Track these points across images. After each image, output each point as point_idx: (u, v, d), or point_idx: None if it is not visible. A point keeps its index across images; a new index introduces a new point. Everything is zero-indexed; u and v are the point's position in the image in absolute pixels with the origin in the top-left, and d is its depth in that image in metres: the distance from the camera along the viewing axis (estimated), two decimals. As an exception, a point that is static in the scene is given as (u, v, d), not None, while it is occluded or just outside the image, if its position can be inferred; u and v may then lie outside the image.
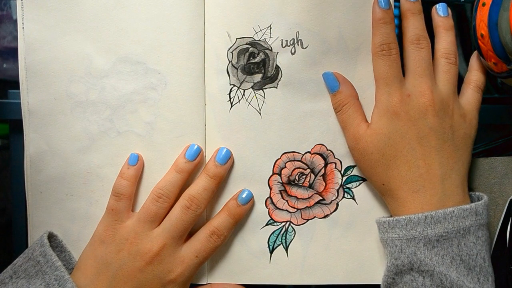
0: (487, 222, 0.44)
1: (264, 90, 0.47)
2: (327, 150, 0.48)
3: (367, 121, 0.46)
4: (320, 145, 0.48)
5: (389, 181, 0.44)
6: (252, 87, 0.47)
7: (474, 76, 0.47)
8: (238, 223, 0.47)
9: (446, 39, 0.46)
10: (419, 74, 0.44)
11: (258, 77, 0.47)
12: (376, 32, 0.45)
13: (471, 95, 0.46)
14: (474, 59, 0.48)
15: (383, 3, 0.45)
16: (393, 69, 0.44)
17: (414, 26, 0.45)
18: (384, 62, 0.44)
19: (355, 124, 0.45)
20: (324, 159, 0.48)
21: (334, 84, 0.46)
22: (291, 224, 0.48)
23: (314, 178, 0.48)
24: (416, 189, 0.43)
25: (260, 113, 0.47)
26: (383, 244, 0.45)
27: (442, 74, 0.45)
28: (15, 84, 0.48)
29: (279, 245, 0.48)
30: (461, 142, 0.44)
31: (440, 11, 0.47)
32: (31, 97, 0.47)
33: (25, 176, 0.47)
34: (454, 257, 0.41)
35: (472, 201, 0.45)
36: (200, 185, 0.46)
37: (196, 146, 0.46)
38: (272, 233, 0.48)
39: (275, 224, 0.48)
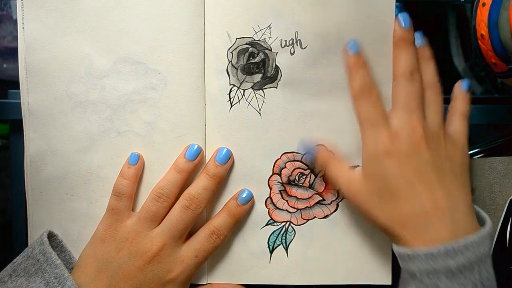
0: None
1: (264, 90, 0.47)
2: (327, 150, 0.48)
3: (354, 168, 0.45)
4: (320, 146, 0.47)
5: (392, 221, 0.42)
6: (252, 87, 0.47)
7: (460, 105, 0.46)
8: (238, 223, 0.47)
9: (429, 69, 0.45)
10: (411, 110, 0.43)
11: (258, 77, 0.47)
12: (353, 77, 0.44)
13: (459, 123, 0.45)
14: (457, 88, 0.47)
15: (353, 49, 0.45)
16: (377, 109, 0.43)
17: (407, 57, 0.44)
18: (367, 103, 0.43)
19: (344, 175, 0.44)
20: (324, 159, 0.48)
21: (310, 151, 0.47)
22: (291, 224, 0.48)
23: (314, 179, 0.48)
24: (422, 226, 0.41)
25: (260, 113, 0.47)
26: (402, 270, 0.42)
27: (430, 106, 0.44)
28: (15, 84, 0.48)
29: (279, 245, 0.48)
30: (459, 170, 0.43)
31: (417, 40, 0.46)
32: (31, 97, 0.47)
33: (25, 176, 0.48)
34: (476, 283, 0.39)
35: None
36: (200, 184, 0.46)
37: (196, 146, 0.46)
38: (272, 233, 0.48)
39: (275, 224, 0.48)
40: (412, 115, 0.43)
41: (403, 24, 0.44)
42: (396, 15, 0.45)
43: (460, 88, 0.47)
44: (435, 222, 0.40)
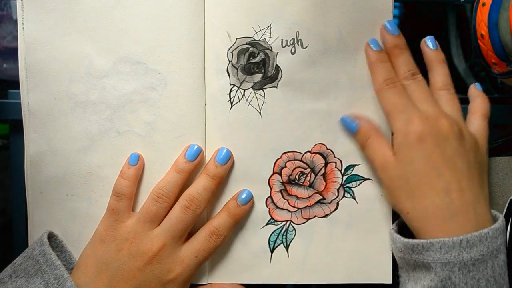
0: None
1: (264, 90, 0.47)
2: (327, 149, 0.48)
3: (392, 148, 0.44)
4: (320, 145, 0.48)
5: (415, 210, 0.42)
6: (252, 87, 0.47)
7: (479, 104, 0.46)
8: (238, 223, 0.47)
9: (442, 72, 0.46)
10: (427, 101, 0.43)
11: (258, 77, 0.47)
12: (376, 71, 0.45)
13: (479, 124, 0.45)
14: (473, 88, 0.47)
15: (375, 45, 0.46)
16: (403, 97, 0.44)
17: (405, 62, 0.45)
18: (392, 92, 0.44)
19: (381, 155, 0.44)
20: (324, 158, 0.48)
21: (352, 125, 0.46)
22: (292, 223, 0.48)
23: (315, 178, 0.48)
24: (447, 217, 0.40)
25: (260, 113, 0.47)
26: (415, 265, 0.42)
27: (447, 104, 0.45)
28: (15, 84, 0.48)
29: (279, 244, 0.48)
30: (480, 166, 0.43)
31: (430, 44, 0.47)
32: (31, 97, 0.47)
33: (25, 176, 0.47)
34: (488, 279, 0.39)
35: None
36: (200, 185, 0.46)
37: (196, 146, 0.46)
38: (273, 232, 0.48)
39: (275, 223, 0.48)
40: (431, 106, 0.43)
41: (392, 32, 0.45)
42: (384, 25, 0.46)
43: (478, 88, 0.47)
44: (460, 214, 0.40)
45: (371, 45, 0.46)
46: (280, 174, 0.48)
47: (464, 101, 0.47)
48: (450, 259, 0.39)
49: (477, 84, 0.48)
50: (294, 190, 0.48)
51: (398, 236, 0.43)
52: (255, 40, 0.46)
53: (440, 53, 0.47)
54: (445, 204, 0.41)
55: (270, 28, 0.46)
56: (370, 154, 0.45)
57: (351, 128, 0.46)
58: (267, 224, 0.48)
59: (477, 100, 0.47)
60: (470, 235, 0.39)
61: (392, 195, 0.43)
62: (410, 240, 0.42)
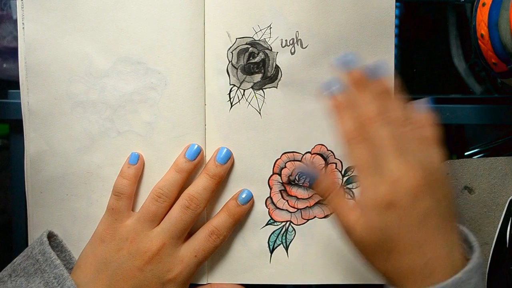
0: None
1: (264, 90, 0.47)
2: (328, 150, 0.48)
3: (357, 208, 0.40)
4: (321, 146, 0.48)
5: (392, 272, 0.40)
6: (252, 87, 0.47)
7: (429, 131, 0.42)
8: (238, 223, 0.47)
9: (393, 106, 0.41)
10: (396, 155, 0.39)
11: (258, 77, 0.47)
12: (341, 120, 0.41)
13: (434, 153, 0.41)
14: (420, 113, 0.42)
15: (337, 87, 0.42)
16: (371, 154, 0.40)
17: (370, 100, 0.41)
18: (360, 148, 0.40)
19: (344, 214, 0.41)
20: (325, 159, 0.48)
21: (312, 176, 0.43)
22: (291, 224, 0.48)
23: (314, 178, 0.48)
24: (425, 275, 0.39)
25: (260, 113, 0.47)
26: None
27: (414, 145, 0.40)
28: (15, 84, 0.48)
29: (279, 245, 0.48)
30: (450, 202, 0.41)
31: (371, 73, 0.42)
32: (31, 97, 0.47)
33: (25, 176, 0.47)
34: None
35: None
36: (200, 184, 0.46)
37: (196, 146, 0.46)
38: (272, 233, 0.48)
39: (275, 224, 0.48)
40: (402, 160, 0.39)
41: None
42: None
43: (421, 111, 0.42)
44: (436, 271, 0.39)
45: (331, 88, 0.42)
46: (280, 174, 0.48)
47: (464, 101, 0.47)
48: None
49: (421, 102, 0.43)
50: (294, 190, 0.48)
51: None
52: (255, 40, 0.46)
53: (383, 82, 0.42)
54: (422, 262, 0.39)
55: (270, 28, 0.46)
56: (333, 209, 0.42)
57: (311, 178, 0.43)
58: (266, 224, 0.48)
59: (426, 127, 0.42)
60: (444, 283, 0.38)
61: (365, 257, 0.41)
62: None
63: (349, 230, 0.40)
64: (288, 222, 0.48)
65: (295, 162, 0.48)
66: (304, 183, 0.48)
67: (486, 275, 0.50)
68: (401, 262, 0.39)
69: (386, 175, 0.39)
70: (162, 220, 0.45)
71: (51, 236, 0.46)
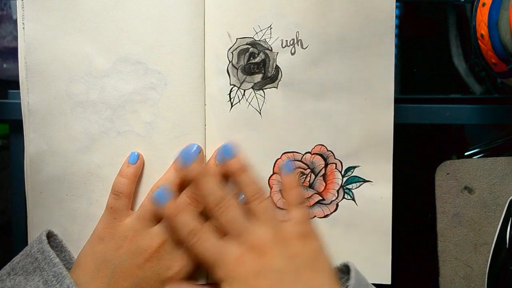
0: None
1: (264, 90, 0.47)
2: (328, 150, 0.48)
3: None
4: (321, 146, 0.48)
5: None
6: (252, 87, 0.47)
7: (291, 195, 0.45)
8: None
9: (247, 181, 0.44)
10: (239, 234, 0.42)
11: (258, 77, 0.47)
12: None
13: (298, 214, 0.44)
14: (286, 179, 0.46)
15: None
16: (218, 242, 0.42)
17: (209, 187, 0.43)
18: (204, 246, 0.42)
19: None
20: (325, 159, 0.48)
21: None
22: (291, 224, 0.48)
23: (314, 178, 0.48)
24: None
25: (260, 113, 0.47)
26: None
27: (260, 217, 0.43)
28: (15, 84, 0.48)
29: (279, 245, 0.48)
30: (313, 257, 0.42)
31: (220, 157, 0.46)
32: (31, 97, 0.47)
33: (25, 176, 0.47)
34: None
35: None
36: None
37: (196, 146, 0.46)
38: (272, 233, 0.48)
39: (275, 224, 0.48)
40: (245, 239, 0.42)
41: (185, 164, 0.44)
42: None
43: (285, 172, 0.46)
44: None
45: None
46: (280, 174, 0.48)
47: (464, 101, 0.47)
48: None
49: (285, 164, 0.47)
50: (294, 190, 0.48)
51: None
52: (255, 40, 0.46)
53: (236, 162, 0.45)
54: None
55: (270, 28, 0.46)
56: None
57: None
58: (267, 224, 0.48)
59: (290, 191, 0.46)
60: None
61: None
62: None
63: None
64: (288, 222, 0.48)
65: (295, 162, 0.48)
66: (304, 182, 0.48)
67: (486, 275, 0.50)
68: None
69: (235, 250, 0.42)
70: (161, 219, 0.45)
71: (51, 236, 0.46)
